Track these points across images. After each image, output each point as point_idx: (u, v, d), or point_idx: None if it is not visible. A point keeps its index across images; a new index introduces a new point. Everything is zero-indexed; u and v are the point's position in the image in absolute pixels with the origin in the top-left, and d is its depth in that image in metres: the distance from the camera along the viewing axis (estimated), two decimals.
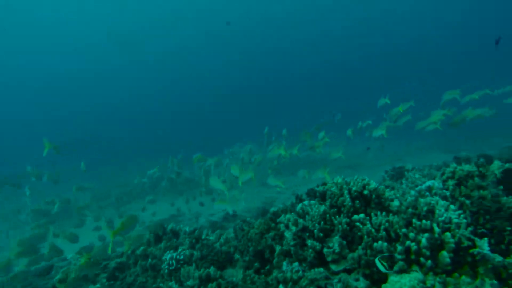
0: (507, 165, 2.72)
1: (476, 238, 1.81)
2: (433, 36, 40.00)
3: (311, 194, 3.41)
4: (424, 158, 10.62)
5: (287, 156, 6.03)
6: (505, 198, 2.38)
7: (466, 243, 1.84)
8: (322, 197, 2.85)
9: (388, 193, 2.72)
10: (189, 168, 11.84)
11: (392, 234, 2.11)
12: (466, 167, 2.72)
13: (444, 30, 39.88)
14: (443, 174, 2.88)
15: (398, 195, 3.25)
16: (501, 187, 2.53)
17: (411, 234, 1.94)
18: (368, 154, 10.06)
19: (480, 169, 2.67)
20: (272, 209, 3.87)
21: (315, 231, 2.52)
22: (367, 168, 10.89)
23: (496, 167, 2.74)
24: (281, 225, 3.17)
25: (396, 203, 2.58)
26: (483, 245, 1.75)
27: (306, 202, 3.26)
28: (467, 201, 2.50)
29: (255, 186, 11.28)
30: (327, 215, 2.54)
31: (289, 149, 5.98)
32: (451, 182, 2.74)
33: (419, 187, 2.39)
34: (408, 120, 5.55)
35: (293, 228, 2.71)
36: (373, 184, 2.49)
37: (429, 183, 2.39)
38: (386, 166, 9.93)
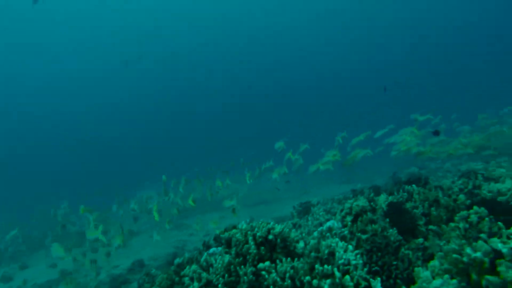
0: (390, 198, 3.03)
1: (370, 279, 1.84)
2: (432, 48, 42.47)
3: (218, 240, 3.16)
4: (328, 189, 11.62)
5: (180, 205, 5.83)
6: (390, 230, 2.59)
7: (363, 284, 1.86)
8: (228, 245, 2.64)
9: (294, 234, 2.69)
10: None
11: (297, 283, 2.01)
12: (361, 203, 2.91)
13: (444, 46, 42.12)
14: (342, 210, 3.03)
15: (304, 234, 3.27)
16: (388, 219, 2.77)
17: (315, 281, 1.87)
18: (279, 188, 10.49)
19: (371, 203, 2.89)
20: (177, 260, 3.44)
21: (219, 285, 2.26)
22: (279, 202, 11.27)
23: (383, 200, 3.03)
24: (186, 279, 2.80)
25: (301, 244, 2.55)
26: (377, 285, 1.79)
27: (212, 250, 2.99)
28: (363, 236, 2.64)
29: (167, 230, 10.39)
30: (232, 266, 2.32)
31: (187, 198, 5.82)
32: (349, 218, 2.89)
33: (321, 228, 2.42)
34: (310, 153, 6.05)
35: (196, 285, 2.39)
36: (277, 228, 2.41)
37: (329, 223, 2.44)
38: (296, 200, 10.47)
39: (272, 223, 2.52)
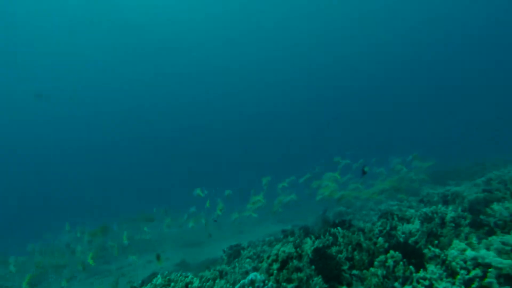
0: (316, 243, 3.02)
1: None
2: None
3: None
4: (263, 228, 11.51)
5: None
6: (315, 278, 2.52)
7: None
8: None
9: (217, 287, 2.45)
10: None
11: None
12: (287, 249, 2.83)
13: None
14: (269, 257, 2.90)
15: (229, 284, 3.02)
16: (313, 266, 2.72)
17: None
18: (211, 228, 10.07)
19: (298, 249, 2.82)
20: None
21: None
22: (212, 243, 10.72)
23: (308, 246, 2.99)
24: None
25: None
26: None
27: None
28: (289, 286, 2.52)
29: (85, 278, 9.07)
30: None
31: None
32: (275, 266, 2.77)
33: (243, 281, 2.23)
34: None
35: None
36: (196, 283, 2.16)
37: (252, 276, 2.28)
38: (230, 240, 10.08)
39: (190, 276, 2.25)
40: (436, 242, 3.52)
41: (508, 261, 2.48)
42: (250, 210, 4.72)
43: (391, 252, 2.61)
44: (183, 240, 12.12)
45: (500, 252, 2.77)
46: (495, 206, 4.21)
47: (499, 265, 2.43)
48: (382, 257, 2.63)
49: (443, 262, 2.74)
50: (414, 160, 5.89)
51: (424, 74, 43.49)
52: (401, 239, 3.44)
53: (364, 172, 5.45)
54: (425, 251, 2.90)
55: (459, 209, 4.49)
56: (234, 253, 4.98)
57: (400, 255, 2.57)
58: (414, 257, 2.81)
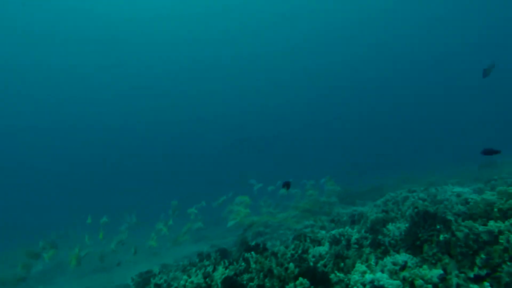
0: (227, 272, 2.89)
1: None
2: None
3: None
4: (180, 249, 10.89)
5: None
6: None
7: None
8: None
9: None
10: None
11: None
12: (196, 279, 2.63)
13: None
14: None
15: None
16: None
17: None
18: (120, 254, 9.14)
19: (207, 280, 2.65)
20: None
21: None
22: (124, 267, 9.67)
23: (219, 274, 2.84)
24: None
25: None
26: None
27: None
28: None
29: None
30: None
31: None
32: None
33: None
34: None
35: None
36: None
37: None
38: (142, 264, 9.24)
39: None
40: (342, 264, 3.74)
41: (397, 282, 2.74)
42: (153, 240, 4.41)
43: (300, 279, 2.64)
44: (90, 265, 10.71)
45: (391, 273, 3.05)
46: (390, 226, 4.73)
47: (390, 287, 2.66)
48: (291, 284, 2.63)
49: (347, 286, 2.89)
50: (327, 182, 6.35)
51: (422, 74, 44.06)
52: (312, 263, 3.55)
53: (287, 184, 5.55)
54: (331, 276, 3.03)
55: (363, 230, 4.91)
56: (144, 281, 4.50)
57: (308, 282, 2.61)
58: (321, 282, 2.90)
